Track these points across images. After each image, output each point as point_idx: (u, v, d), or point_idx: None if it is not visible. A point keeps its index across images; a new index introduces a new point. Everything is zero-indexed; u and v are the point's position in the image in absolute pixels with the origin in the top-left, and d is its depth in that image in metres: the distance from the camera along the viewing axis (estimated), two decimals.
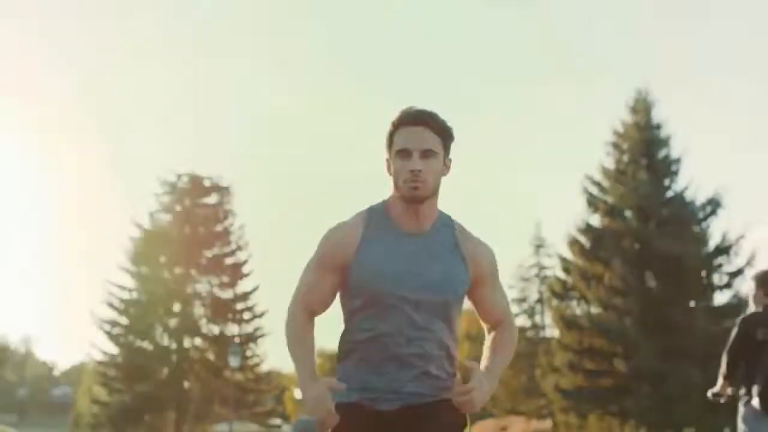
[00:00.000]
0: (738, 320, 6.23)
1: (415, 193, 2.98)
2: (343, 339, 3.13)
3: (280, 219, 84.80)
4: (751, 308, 6.30)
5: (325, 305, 3.13)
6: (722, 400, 6.29)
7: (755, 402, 5.99)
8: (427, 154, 2.99)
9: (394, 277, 3.00)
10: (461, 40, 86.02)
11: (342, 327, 3.18)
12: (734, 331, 6.16)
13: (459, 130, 3.06)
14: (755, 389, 6.02)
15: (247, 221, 46.49)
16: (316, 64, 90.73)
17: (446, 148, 3.06)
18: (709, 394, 6.39)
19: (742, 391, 6.14)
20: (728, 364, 6.16)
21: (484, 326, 3.24)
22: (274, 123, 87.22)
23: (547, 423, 36.71)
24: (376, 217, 3.09)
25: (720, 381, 6.25)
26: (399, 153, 3.00)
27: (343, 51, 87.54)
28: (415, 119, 3.02)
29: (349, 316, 3.10)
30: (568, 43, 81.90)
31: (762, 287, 6.14)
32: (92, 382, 58.72)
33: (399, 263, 3.01)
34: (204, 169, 41.88)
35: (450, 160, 3.09)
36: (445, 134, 3.05)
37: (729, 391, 6.22)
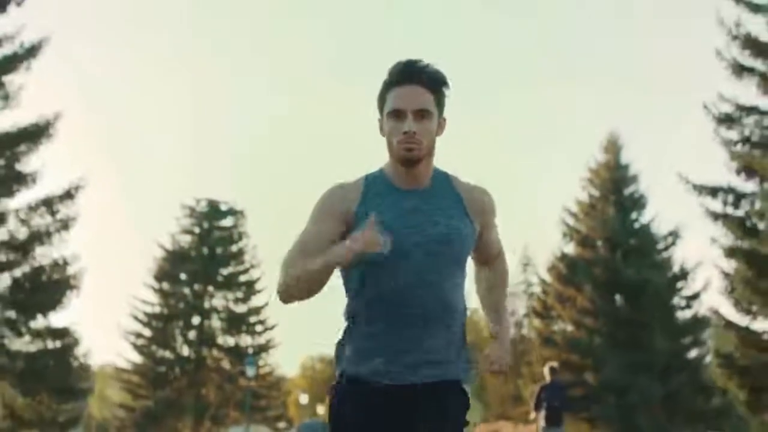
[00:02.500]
0: (538, 386, 12.87)
1: (409, 154, 3.00)
2: (349, 308, 3.13)
3: (289, 239, 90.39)
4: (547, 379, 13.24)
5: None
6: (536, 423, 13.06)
7: (542, 422, 12.62)
8: (421, 114, 3.00)
9: (399, 231, 2.99)
10: (462, 43, 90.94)
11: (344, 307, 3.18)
12: (537, 390, 12.76)
13: (457, 133, 3.87)
14: (541, 415, 12.65)
15: (259, 241, 52.13)
16: (318, 70, 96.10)
17: (441, 106, 3.07)
18: (530, 417, 13.09)
19: (539, 416, 12.81)
20: (534, 405, 12.77)
21: (474, 260, 3.38)
22: (278, 136, 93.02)
23: (533, 427, 42.86)
24: (374, 179, 3.14)
25: (533, 412, 12.82)
26: (392, 114, 3.01)
27: (345, 57, 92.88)
28: (409, 77, 3.02)
29: (352, 281, 3.11)
30: (567, 47, 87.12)
31: (549, 372, 12.80)
32: (104, 386, 64.22)
33: (398, 219, 3.02)
34: (218, 189, 47.61)
35: (444, 120, 3.11)
36: (439, 92, 3.06)
37: (537, 417, 12.85)
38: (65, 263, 23.05)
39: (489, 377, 48.73)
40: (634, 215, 37.19)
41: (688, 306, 36.45)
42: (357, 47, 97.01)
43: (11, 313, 22.53)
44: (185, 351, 42.82)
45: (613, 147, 37.62)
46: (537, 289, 44.43)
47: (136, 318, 42.48)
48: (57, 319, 23.83)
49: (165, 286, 43.18)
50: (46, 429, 22.70)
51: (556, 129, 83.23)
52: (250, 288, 43.88)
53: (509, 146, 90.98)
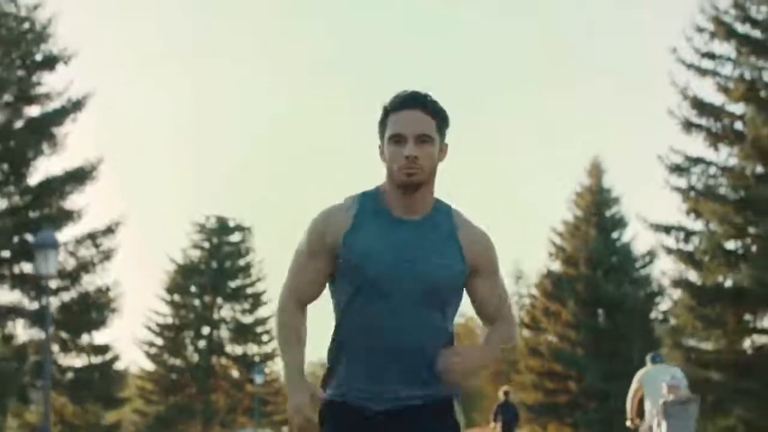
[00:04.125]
0: (496, 405, 17.55)
1: (410, 179, 3.03)
2: (335, 331, 3.19)
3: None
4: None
5: (316, 293, 3.20)
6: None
7: (499, 430, 17.34)
8: (422, 139, 3.04)
9: (386, 263, 3.04)
10: (463, 45, 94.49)
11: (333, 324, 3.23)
12: (495, 407, 17.45)
13: (457, 138, 3.16)
14: (499, 425, 17.42)
15: (265, 255, 56.29)
16: (319, 69, 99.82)
17: (442, 133, 3.12)
18: (490, 426, 17.76)
19: (497, 425, 17.53)
20: (494, 417, 17.48)
21: (480, 318, 3.30)
22: (281, 143, 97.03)
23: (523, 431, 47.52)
24: (368, 201, 3.15)
25: (492, 423, 17.49)
26: (393, 138, 3.06)
27: (346, 62, 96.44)
28: (410, 103, 3.08)
29: (338, 306, 3.16)
30: (566, 50, 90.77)
31: (503, 395, 17.55)
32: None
33: (391, 249, 3.05)
34: (224, 205, 51.65)
35: (446, 145, 3.16)
36: (440, 118, 3.12)
37: (496, 426, 17.54)
38: (107, 289, 27.71)
39: (485, 386, 53.20)
40: (615, 235, 41.74)
41: (665, 320, 40.88)
42: (357, 47, 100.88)
43: (62, 333, 27.12)
44: (195, 359, 46.73)
45: (596, 171, 42.15)
46: (527, 301, 49.02)
47: (149, 328, 46.25)
48: (100, 336, 28.40)
49: (176, 298, 47.13)
50: None
51: (555, 131, 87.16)
52: (256, 300, 47.85)
53: (507, 149, 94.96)
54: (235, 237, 48.67)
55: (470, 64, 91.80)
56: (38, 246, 18.94)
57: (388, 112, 3.12)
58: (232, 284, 47.81)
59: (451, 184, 3.46)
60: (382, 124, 3.13)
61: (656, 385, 11.47)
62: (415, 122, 3.06)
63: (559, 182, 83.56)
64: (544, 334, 42.31)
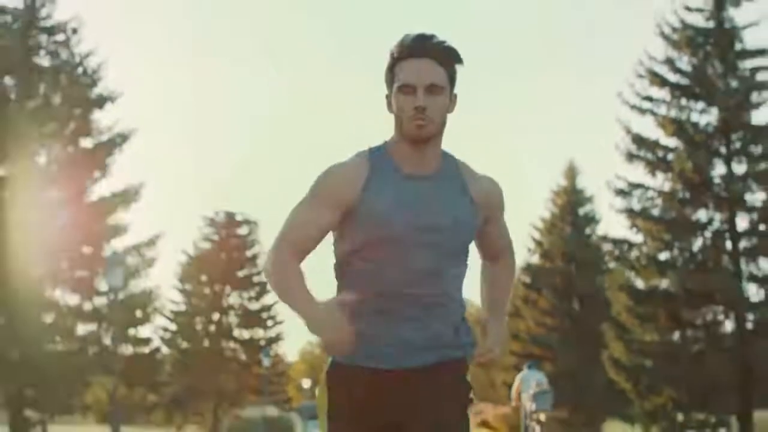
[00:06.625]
0: None
1: (420, 132, 3.13)
2: (345, 293, 3.22)
3: None
4: None
5: (314, 244, 3.27)
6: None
7: None
8: (432, 89, 3.13)
9: (405, 221, 3.16)
10: (464, 37, 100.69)
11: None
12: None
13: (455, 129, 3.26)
14: None
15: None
16: (321, 67, 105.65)
17: (452, 81, 3.22)
18: None
19: None
20: None
21: (480, 255, 3.55)
22: (282, 141, 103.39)
23: (506, 408, 55.02)
24: (378, 157, 3.24)
25: None
26: (401, 89, 3.14)
27: (346, 62, 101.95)
28: (419, 51, 3.14)
29: (349, 259, 3.27)
30: (566, 50, 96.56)
31: None
32: None
33: (409, 206, 3.17)
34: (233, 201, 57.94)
35: (455, 96, 3.24)
36: (451, 66, 3.20)
37: None
38: (150, 292, 35.42)
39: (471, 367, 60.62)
40: (588, 231, 49.39)
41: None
42: (357, 47, 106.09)
43: (113, 328, 34.79)
44: (206, 343, 52.11)
45: (571, 173, 49.80)
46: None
47: (163, 315, 50.85)
48: (144, 330, 35.97)
49: (188, 286, 52.98)
50: (138, 411, 35.31)
51: (546, 126, 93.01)
52: (262, 288, 52.78)
53: (503, 138, 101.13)
54: (242, 230, 54.22)
55: (469, 65, 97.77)
56: (110, 264, 26.05)
57: (396, 60, 3.18)
58: (240, 274, 53.18)
59: None
60: (390, 73, 3.21)
61: (529, 382, 20.12)
62: (425, 71, 3.13)
63: (548, 178, 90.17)
64: (524, 321, 49.94)
